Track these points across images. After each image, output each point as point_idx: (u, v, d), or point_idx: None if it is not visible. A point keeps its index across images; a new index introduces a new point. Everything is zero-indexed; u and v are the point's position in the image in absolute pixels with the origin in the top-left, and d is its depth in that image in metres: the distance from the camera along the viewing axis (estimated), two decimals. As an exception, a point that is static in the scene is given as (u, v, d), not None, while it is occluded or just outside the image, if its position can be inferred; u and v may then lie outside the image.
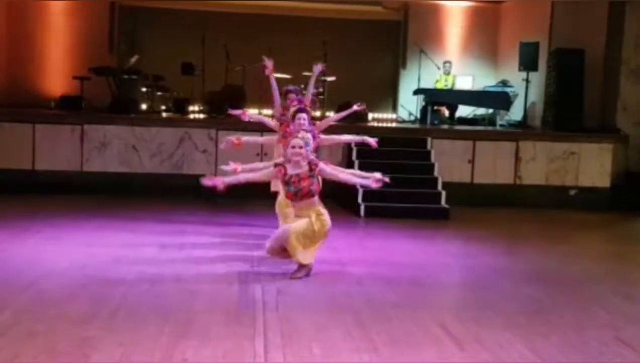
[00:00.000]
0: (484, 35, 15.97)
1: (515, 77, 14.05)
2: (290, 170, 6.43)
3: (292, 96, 8.06)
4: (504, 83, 14.18)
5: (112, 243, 7.78)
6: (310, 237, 6.41)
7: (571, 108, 12.64)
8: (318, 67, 8.65)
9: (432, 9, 16.04)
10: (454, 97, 14.32)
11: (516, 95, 13.90)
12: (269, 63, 8.11)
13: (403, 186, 10.67)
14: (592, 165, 11.83)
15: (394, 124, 14.56)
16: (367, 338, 4.95)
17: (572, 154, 11.82)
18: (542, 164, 11.79)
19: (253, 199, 10.43)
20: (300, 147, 6.43)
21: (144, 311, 5.36)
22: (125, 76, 13.12)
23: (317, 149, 7.75)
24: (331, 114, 13.50)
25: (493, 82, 14.75)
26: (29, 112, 12.04)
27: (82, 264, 6.74)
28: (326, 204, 6.68)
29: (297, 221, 6.46)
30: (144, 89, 13.49)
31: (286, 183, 6.43)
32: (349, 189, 10.81)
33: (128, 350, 4.55)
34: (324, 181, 6.73)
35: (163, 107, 13.76)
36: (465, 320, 5.48)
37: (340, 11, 15.60)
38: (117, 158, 11.28)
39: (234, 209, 10.20)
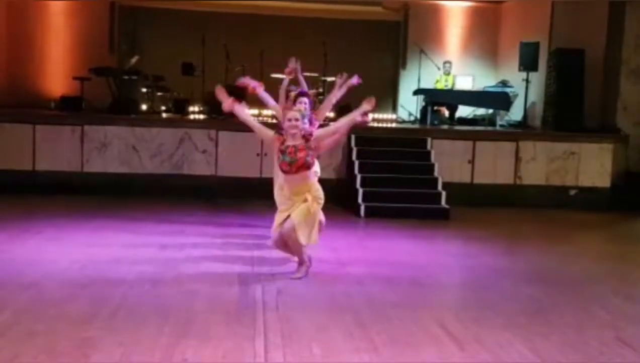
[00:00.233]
0: (484, 36, 15.98)
1: (515, 78, 14.06)
2: (289, 141, 6.41)
3: (305, 99, 7.66)
4: (504, 83, 14.19)
5: (112, 243, 7.78)
6: (312, 221, 6.36)
7: (571, 108, 12.64)
8: (355, 79, 8.28)
9: (432, 9, 16.04)
10: (454, 98, 14.32)
11: (516, 95, 13.90)
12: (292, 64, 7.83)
13: (403, 187, 10.70)
14: (592, 165, 11.83)
15: (394, 125, 14.55)
16: (367, 338, 4.95)
17: (572, 154, 11.82)
18: (542, 164, 11.79)
19: (253, 199, 10.47)
20: (297, 119, 6.39)
21: (144, 311, 5.36)
22: (126, 77, 13.13)
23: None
24: (331, 115, 13.57)
25: (493, 83, 14.75)
26: (29, 112, 12.04)
27: (82, 264, 6.74)
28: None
29: (294, 209, 6.37)
30: (144, 90, 13.49)
31: (282, 151, 6.39)
32: (349, 190, 10.86)
33: (128, 350, 4.55)
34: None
35: (163, 108, 13.77)
36: (465, 320, 5.48)
37: (341, 11, 15.60)
38: (118, 159, 11.28)
39: (234, 209, 10.20)
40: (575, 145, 11.83)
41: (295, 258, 6.64)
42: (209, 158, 11.38)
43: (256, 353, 4.58)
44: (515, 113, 14.14)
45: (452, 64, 14.74)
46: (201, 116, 13.21)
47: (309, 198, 6.35)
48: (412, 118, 14.80)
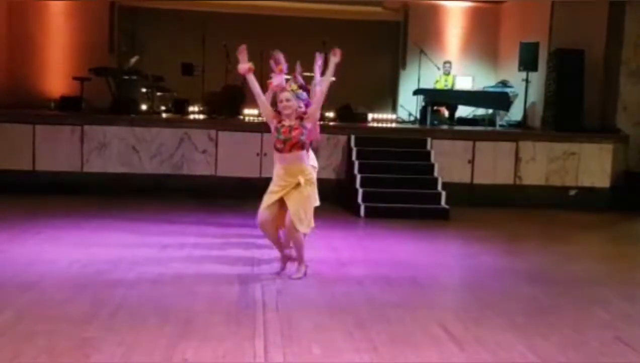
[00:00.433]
0: (484, 36, 15.98)
1: (515, 78, 14.06)
2: (285, 121, 6.42)
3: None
4: (504, 83, 14.18)
5: (112, 243, 7.78)
6: (306, 205, 6.37)
7: (571, 108, 12.64)
8: (319, 58, 8.16)
9: (432, 9, 16.05)
10: (453, 98, 14.33)
11: (516, 95, 13.90)
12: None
13: (403, 187, 10.71)
14: (592, 165, 11.83)
15: (393, 125, 14.56)
16: (367, 338, 4.95)
17: (572, 154, 11.82)
18: (542, 164, 11.78)
19: (253, 199, 10.44)
20: (288, 100, 6.40)
21: (144, 311, 5.36)
22: (125, 77, 13.12)
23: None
24: (331, 115, 13.59)
25: (493, 83, 14.76)
26: (29, 113, 12.04)
27: (82, 264, 6.74)
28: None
29: (287, 197, 6.35)
30: (144, 90, 13.49)
31: (277, 130, 6.42)
32: (349, 190, 10.86)
33: (128, 350, 4.55)
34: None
35: (163, 108, 13.77)
36: (466, 320, 5.48)
37: (341, 12, 15.60)
38: (117, 159, 11.28)
39: (234, 209, 10.19)
40: (575, 145, 11.83)
41: (282, 254, 6.67)
42: (209, 158, 11.38)
43: (256, 354, 4.58)
44: (515, 113, 14.14)
45: (452, 64, 14.75)
46: (201, 116, 13.21)
47: (302, 180, 6.34)
48: (412, 118, 14.81)
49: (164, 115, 13.21)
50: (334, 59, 6.53)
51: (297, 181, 6.33)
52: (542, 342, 5.05)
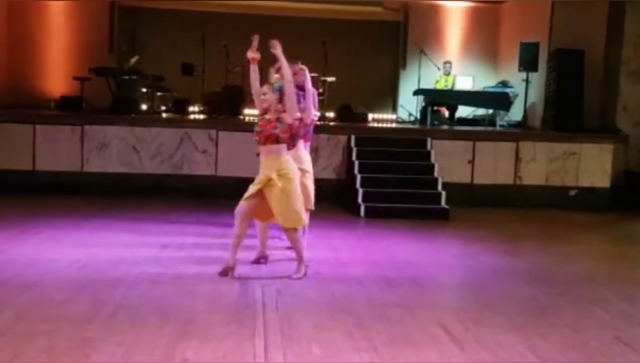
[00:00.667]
0: (484, 36, 15.97)
1: (515, 78, 14.05)
2: (267, 115, 6.44)
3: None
4: (504, 84, 14.18)
5: (112, 243, 7.78)
6: (289, 201, 6.35)
7: (571, 108, 12.63)
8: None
9: (432, 9, 16.04)
10: (453, 98, 14.32)
11: (516, 95, 13.90)
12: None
13: (403, 187, 10.70)
14: (592, 165, 11.82)
15: (393, 125, 14.55)
16: (367, 339, 4.96)
17: (572, 154, 11.81)
18: (542, 164, 11.78)
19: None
20: (264, 93, 6.42)
21: (144, 311, 5.36)
22: (125, 77, 13.12)
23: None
24: (331, 115, 13.59)
25: (493, 83, 14.75)
26: (29, 113, 12.03)
27: (82, 264, 6.74)
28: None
29: (268, 193, 6.38)
30: (144, 90, 13.48)
31: (256, 122, 6.51)
32: (349, 190, 10.86)
33: (128, 350, 4.55)
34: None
35: (163, 108, 13.76)
36: (465, 320, 5.49)
37: (341, 12, 15.59)
38: (117, 159, 11.27)
39: (234, 210, 10.16)
40: (575, 145, 11.83)
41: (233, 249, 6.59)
42: (209, 158, 11.37)
43: (256, 354, 4.59)
44: (515, 113, 14.13)
45: (452, 64, 14.74)
46: (201, 116, 13.21)
47: (274, 175, 6.33)
48: (412, 118, 14.80)
49: (164, 115, 13.20)
50: (273, 50, 6.50)
51: (271, 174, 6.33)
52: (541, 342, 5.05)
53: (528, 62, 13.59)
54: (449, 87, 14.44)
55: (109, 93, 13.01)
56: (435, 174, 11.04)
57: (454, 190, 10.89)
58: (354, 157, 11.11)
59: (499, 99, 13.64)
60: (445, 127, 13.53)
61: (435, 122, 13.65)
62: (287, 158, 6.48)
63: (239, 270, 6.68)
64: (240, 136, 11.18)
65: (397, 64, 16.20)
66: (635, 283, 7.20)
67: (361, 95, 14.67)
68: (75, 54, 14.75)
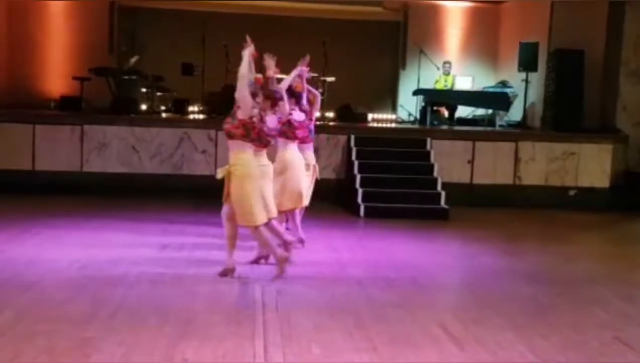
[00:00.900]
0: (484, 36, 15.97)
1: (514, 78, 14.05)
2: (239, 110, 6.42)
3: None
4: (504, 84, 14.17)
5: (112, 243, 7.78)
6: (239, 199, 6.31)
7: (571, 109, 12.63)
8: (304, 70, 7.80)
9: (432, 9, 16.04)
10: (453, 98, 14.32)
11: (515, 95, 13.90)
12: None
13: (402, 187, 10.71)
14: (591, 165, 11.83)
15: (393, 125, 14.56)
16: (367, 339, 4.96)
17: (572, 154, 11.82)
18: (542, 164, 11.78)
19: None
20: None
21: (144, 311, 5.37)
22: (125, 77, 13.11)
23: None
24: (331, 115, 13.59)
25: (492, 83, 14.74)
26: (28, 112, 12.03)
27: (82, 264, 6.74)
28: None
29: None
30: (143, 90, 13.47)
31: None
32: (348, 190, 10.86)
33: (128, 350, 4.56)
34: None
35: (163, 108, 13.76)
36: (465, 320, 5.49)
37: (340, 12, 15.59)
38: (117, 159, 11.27)
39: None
40: (574, 145, 11.83)
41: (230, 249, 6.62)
42: (208, 158, 11.37)
43: (256, 353, 4.59)
44: (515, 113, 14.13)
45: (451, 64, 14.74)
46: (201, 116, 13.21)
47: (224, 171, 6.38)
48: (411, 118, 14.80)
49: (163, 115, 13.19)
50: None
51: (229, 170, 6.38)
52: (541, 342, 5.06)
53: (527, 62, 13.59)
54: (449, 87, 14.44)
55: (109, 93, 13.01)
56: (435, 174, 11.05)
57: (453, 190, 10.90)
58: (353, 157, 11.11)
59: (498, 99, 13.63)
60: (444, 127, 13.54)
61: (435, 122, 13.65)
62: (241, 156, 6.36)
63: (239, 270, 6.69)
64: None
65: (396, 64, 16.20)
66: (635, 283, 7.20)
67: (361, 95, 14.67)
68: (75, 54, 14.74)
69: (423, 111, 14.01)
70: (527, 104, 13.91)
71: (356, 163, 10.98)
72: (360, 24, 15.82)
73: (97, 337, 4.75)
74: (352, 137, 11.38)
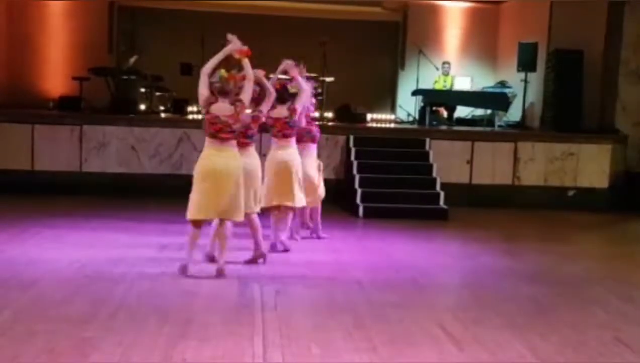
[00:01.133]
0: (483, 36, 15.98)
1: (513, 78, 14.06)
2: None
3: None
4: (503, 84, 14.18)
5: (112, 243, 7.78)
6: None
7: (570, 109, 12.64)
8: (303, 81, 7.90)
9: (431, 9, 16.04)
10: (452, 98, 14.32)
11: (515, 96, 13.90)
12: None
13: (402, 187, 10.71)
14: (591, 166, 11.83)
15: (392, 125, 14.56)
16: (367, 339, 4.96)
17: (571, 154, 11.82)
18: (541, 164, 11.79)
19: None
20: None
21: (144, 311, 5.37)
22: (124, 77, 13.11)
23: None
24: (330, 115, 13.59)
25: (492, 83, 14.75)
26: (28, 112, 12.02)
27: (82, 264, 6.74)
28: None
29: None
30: (142, 90, 13.47)
31: None
32: (347, 190, 10.86)
33: (128, 350, 4.56)
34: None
35: (162, 108, 13.75)
36: (465, 321, 5.49)
37: (340, 12, 15.59)
38: (116, 159, 11.27)
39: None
40: (574, 146, 11.84)
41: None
42: (208, 158, 11.35)
43: (255, 353, 4.59)
44: (514, 114, 14.14)
45: (450, 64, 14.74)
46: (200, 116, 13.19)
47: None
48: (410, 119, 14.80)
49: (163, 115, 13.19)
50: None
51: None
52: (541, 342, 5.06)
53: (527, 63, 13.60)
54: (448, 87, 14.44)
55: (108, 93, 13.00)
56: (434, 174, 11.05)
57: (452, 190, 10.90)
58: (352, 157, 11.12)
59: (497, 100, 13.64)
60: (443, 127, 13.54)
61: (434, 123, 13.65)
62: (203, 154, 6.61)
63: (238, 269, 6.70)
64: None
65: (395, 64, 16.20)
66: (635, 283, 7.20)
67: (360, 95, 14.67)
68: (74, 54, 14.73)
69: (422, 111, 14.01)
70: (526, 105, 13.92)
71: (355, 163, 10.99)
72: (359, 24, 15.82)
73: (96, 337, 4.75)
74: (351, 137, 11.38)
